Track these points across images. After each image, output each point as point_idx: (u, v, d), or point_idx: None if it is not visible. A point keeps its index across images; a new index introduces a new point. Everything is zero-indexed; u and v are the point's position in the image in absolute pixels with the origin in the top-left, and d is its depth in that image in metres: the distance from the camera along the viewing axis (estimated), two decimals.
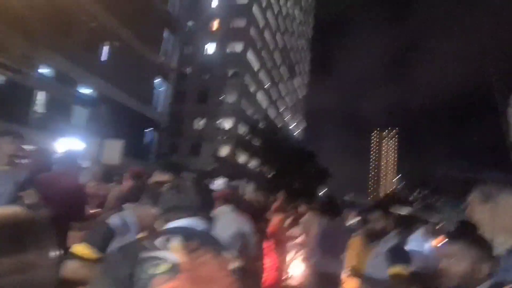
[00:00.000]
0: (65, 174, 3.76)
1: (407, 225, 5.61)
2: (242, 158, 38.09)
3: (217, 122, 37.08)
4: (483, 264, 1.54)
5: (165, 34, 21.82)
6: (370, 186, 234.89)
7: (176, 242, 1.15)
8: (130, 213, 2.12)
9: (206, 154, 33.50)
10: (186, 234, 1.21)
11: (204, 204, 1.44)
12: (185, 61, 37.31)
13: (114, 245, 1.89)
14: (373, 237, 2.62)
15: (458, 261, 1.55)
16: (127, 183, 3.67)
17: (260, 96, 44.35)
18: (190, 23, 36.77)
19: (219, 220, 3.07)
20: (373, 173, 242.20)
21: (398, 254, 2.47)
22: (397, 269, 2.39)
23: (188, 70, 37.61)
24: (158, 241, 1.15)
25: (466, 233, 1.82)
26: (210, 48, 38.80)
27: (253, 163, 36.26)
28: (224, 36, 37.83)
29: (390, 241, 2.57)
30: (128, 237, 2.00)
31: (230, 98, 37.55)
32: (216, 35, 38.00)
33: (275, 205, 8.60)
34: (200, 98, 36.59)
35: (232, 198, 3.53)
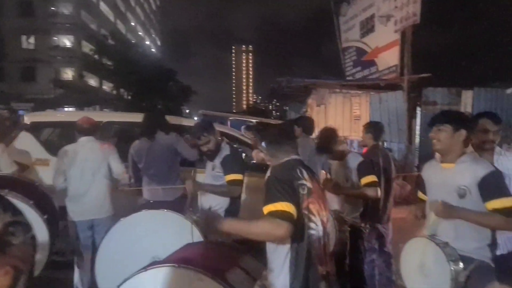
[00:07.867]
0: None
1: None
2: (92, 82, 33.69)
3: (53, 39, 30.91)
4: None
5: None
6: (233, 100, 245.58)
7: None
8: None
9: (43, 79, 28.19)
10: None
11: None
12: None
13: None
14: None
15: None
16: None
17: (105, 7, 38.16)
18: None
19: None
20: (235, 87, 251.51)
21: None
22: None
23: None
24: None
25: None
26: None
27: (107, 86, 32.57)
28: None
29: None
30: None
31: (65, 9, 31.20)
32: None
33: None
34: (23, 10, 29.16)
35: None
